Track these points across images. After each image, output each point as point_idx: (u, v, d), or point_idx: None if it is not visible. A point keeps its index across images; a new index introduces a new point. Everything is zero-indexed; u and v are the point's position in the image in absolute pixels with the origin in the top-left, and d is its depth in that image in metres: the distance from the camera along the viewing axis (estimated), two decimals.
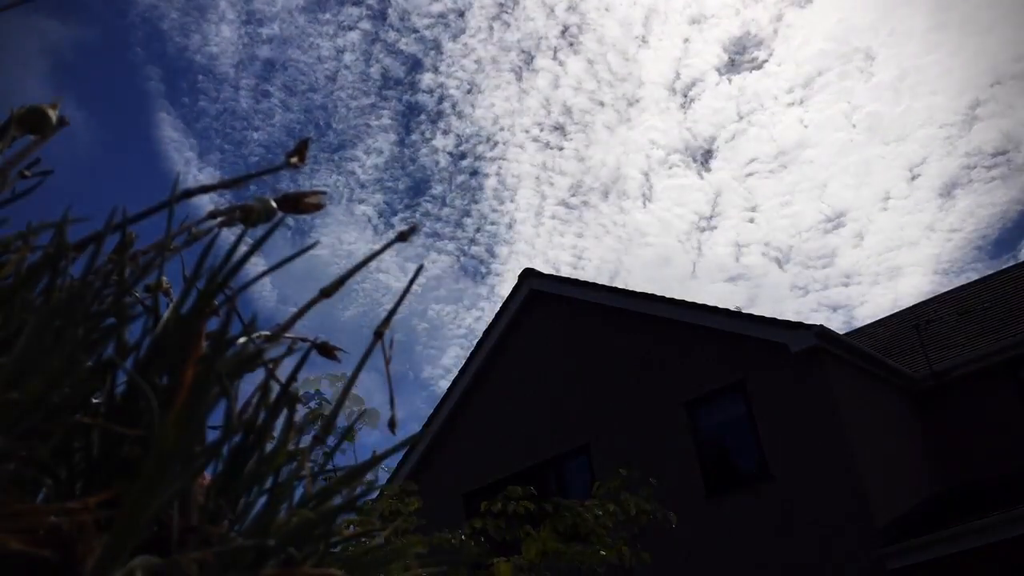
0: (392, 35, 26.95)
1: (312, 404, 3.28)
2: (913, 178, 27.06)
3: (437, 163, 28.36)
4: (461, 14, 26.99)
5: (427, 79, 27.85)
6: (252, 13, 26.25)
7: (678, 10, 26.59)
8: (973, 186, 26.08)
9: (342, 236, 26.42)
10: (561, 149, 26.93)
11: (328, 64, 26.98)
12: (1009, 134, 24.52)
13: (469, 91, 27.44)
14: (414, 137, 28.78)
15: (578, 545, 4.29)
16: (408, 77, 27.69)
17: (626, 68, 26.89)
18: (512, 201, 28.15)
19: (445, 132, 28.36)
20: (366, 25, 26.98)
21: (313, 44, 26.65)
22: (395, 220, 27.25)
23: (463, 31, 26.86)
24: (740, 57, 27.34)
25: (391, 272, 25.51)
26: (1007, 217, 27.87)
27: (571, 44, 26.47)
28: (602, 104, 27.37)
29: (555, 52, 26.71)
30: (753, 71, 26.64)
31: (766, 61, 26.78)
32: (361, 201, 28.04)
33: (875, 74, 26.32)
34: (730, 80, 26.75)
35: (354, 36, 26.86)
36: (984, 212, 27.69)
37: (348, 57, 27.16)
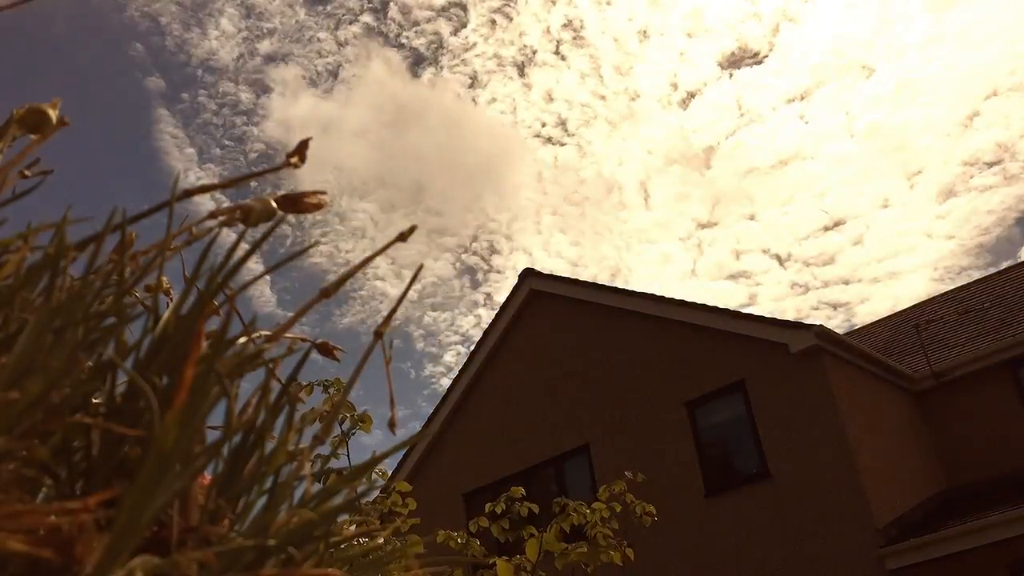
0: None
1: (331, 391, 3.30)
2: (911, 187, 27.10)
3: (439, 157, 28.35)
4: (458, 27, 27.02)
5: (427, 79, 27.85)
6: (252, 7, 26.24)
7: (675, 24, 26.67)
8: (970, 195, 26.11)
9: (339, 245, 26.44)
10: (557, 157, 27.02)
11: (329, 59, 26.93)
12: (1005, 145, 24.57)
13: (469, 99, 27.46)
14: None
15: (581, 545, 4.29)
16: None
17: (622, 82, 27.00)
18: (510, 205, 28.17)
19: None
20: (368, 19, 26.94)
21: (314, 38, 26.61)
22: (396, 216, 27.25)
23: (458, 49, 26.93)
24: (737, 69, 27.37)
25: (387, 279, 25.53)
26: (1004, 225, 27.93)
27: (564, 59, 26.58)
28: (597, 117, 27.47)
29: (551, 63, 26.82)
30: (751, 82, 26.71)
31: (763, 73, 26.84)
32: (362, 197, 28.02)
33: (873, 86, 26.39)
34: (728, 92, 26.80)
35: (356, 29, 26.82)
36: (981, 220, 27.69)
37: (350, 52, 27.11)
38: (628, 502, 4.85)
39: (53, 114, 0.65)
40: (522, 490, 4.87)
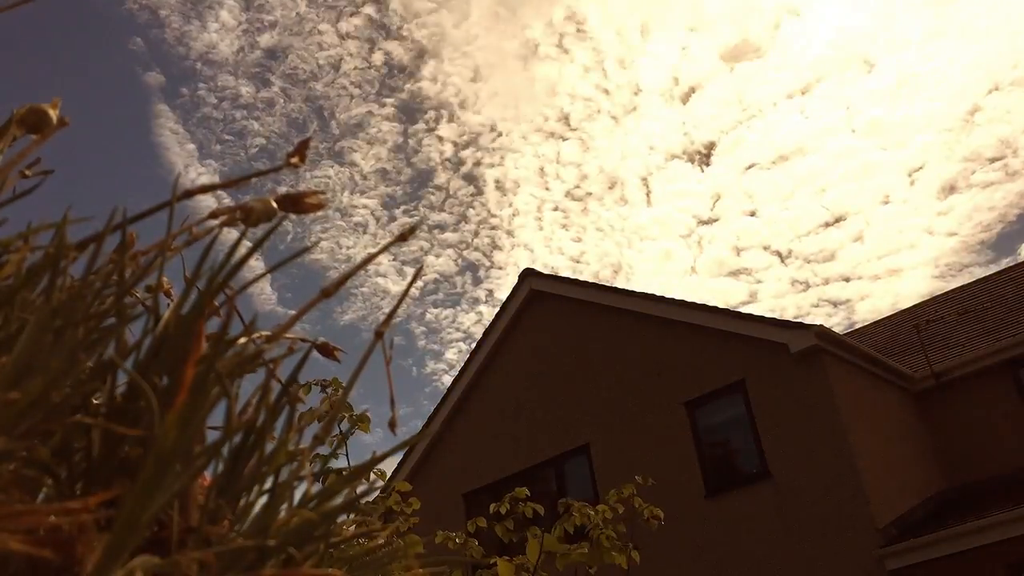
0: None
1: (328, 391, 3.30)
2: (912, 183, 27.05)
3: (441, 154, 28.20)
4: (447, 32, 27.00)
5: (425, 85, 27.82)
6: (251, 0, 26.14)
7: (676, 18, 26.63)
8: (972, 190, 26.05)
9: (340, 241, 26.39)
10: (559, 152, 26.99)
11: (331, 51, 26.77)
12: (1007, 140, 24.50)
13: (463, 103, 27.35)
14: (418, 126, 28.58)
15: (583, 546, 4.28)
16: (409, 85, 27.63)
17: (624, 76, 26.95)
18: (512, 201, 28.14)
19: (442, 139, 28.27)
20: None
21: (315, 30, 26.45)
22: (397, 212, 27.16)
23: (448, 57, 26.82)
24: (738, 63, 27.32)
25: (389, 276, 25.51)
26: (1005, 220, 27.87)
27: (567, 52, 26.55)
28: (599, 111, 27.38)
29: (553, 56, 26.76)
30: (751, 77, 26.66)
31: (764, 68, 26.79)
32: (363, 193, 27.91)
33: (874, 80, 26.33)
34: (729, 86, 26.76)
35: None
36: (982, 216, 27.62)
37: (351, 45, 26.97)
38: (636, 506, 4.86)
39: (53, 114, 0.65)
40: (526, 490, 4.87)
